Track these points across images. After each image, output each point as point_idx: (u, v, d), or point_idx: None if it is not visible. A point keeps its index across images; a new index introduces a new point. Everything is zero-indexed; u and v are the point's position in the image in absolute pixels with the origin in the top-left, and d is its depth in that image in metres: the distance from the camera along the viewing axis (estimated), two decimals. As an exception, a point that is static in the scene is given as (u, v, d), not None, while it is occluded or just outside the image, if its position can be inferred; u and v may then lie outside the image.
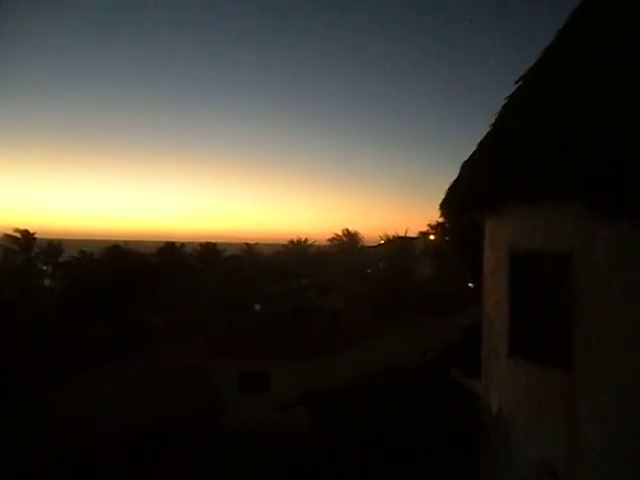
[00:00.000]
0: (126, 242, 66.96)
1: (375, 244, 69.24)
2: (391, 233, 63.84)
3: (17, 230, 55.25)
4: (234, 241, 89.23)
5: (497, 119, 7.24)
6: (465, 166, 7.31)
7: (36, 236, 56.69)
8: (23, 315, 29.17)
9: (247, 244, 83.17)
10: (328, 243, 73.20)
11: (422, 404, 9.72)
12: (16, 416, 14.14)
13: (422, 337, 19.34)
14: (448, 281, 45.15)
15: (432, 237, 55.28)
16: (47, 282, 56.31)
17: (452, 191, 7.37)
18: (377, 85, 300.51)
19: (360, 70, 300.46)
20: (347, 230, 70.85)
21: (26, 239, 55.71)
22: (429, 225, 55.72)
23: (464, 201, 7.20)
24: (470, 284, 44.03)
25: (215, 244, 78.00)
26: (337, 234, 70.67)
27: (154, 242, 78.01)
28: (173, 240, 74.40)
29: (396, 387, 9.76)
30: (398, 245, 58.94)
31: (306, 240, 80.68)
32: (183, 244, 74.96)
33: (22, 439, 11.97)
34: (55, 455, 10.44)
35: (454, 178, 7.41)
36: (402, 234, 61.03)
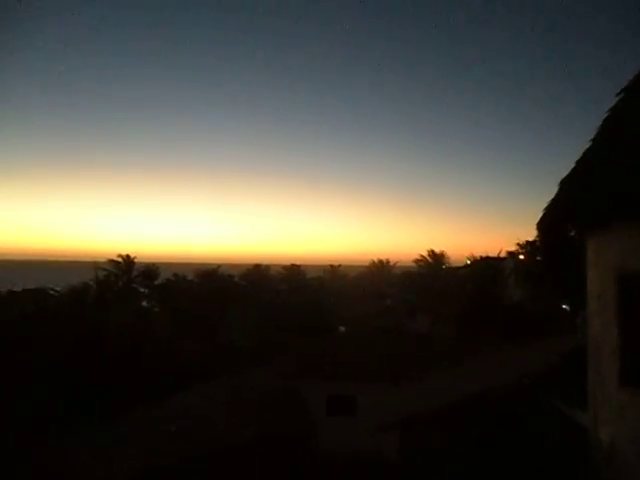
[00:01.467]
0: (217, 265, 69.69)
1: (461, 265, 67.24)
2: (477, 253, 61.85)
3: (119, 255, 59.39)
4: (318, 263, 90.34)
5: (598, 133, 6.86)
6: (565, 183, 6.96)
7: (136, 260, 60.64)
8: (125, 337, 31.04)
9: (331, 266, 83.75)
10: (413, 264, 72.12)
11: (521, 433, 9.20)
12: (118, 431, 14.99)
13: (515, 362, 18.43)
14: (540, 303, 42.88)
15: (522, 257, 52.86)
16: (144, 303, 59.74)
17: (551, 209, 7.04)
18: (463, 102, 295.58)
19: (446, 89, 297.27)
20: (432, 251, 69.48)
21: (127, 263, 59.66)
22: (518, 244, 53.32)
23: (565, 219, 6.85)
24: (565, 306, 41.50)
25: (299, 266, 79.22)
26: (422, 255, 69.47)
27: (242, 265, 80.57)
28: (259, 262, 76.40)
29: (492, 414, 9.31)
30: (486, 266, 56.91)
31: (388, 261, 79.87)
32: (268, 266, 76.76)
33: (123, 452, 12.60)
34: (153, 469, 10.95)
35: (545, 196, 7.08)
36: (490, 254, 58.93)
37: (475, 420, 9.42)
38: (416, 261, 69.58)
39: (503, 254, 57.64)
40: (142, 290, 61.91)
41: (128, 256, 60.66)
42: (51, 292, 43.08)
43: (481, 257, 59.84)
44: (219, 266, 66.92)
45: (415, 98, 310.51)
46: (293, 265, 77.71)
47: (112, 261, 59.15)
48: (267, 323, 46.63)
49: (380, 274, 77.33)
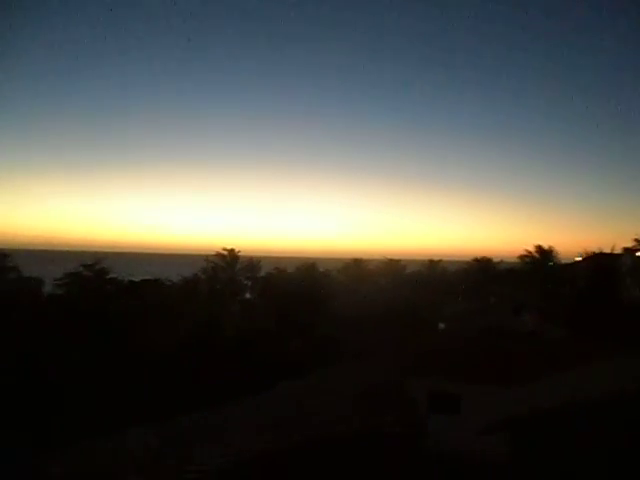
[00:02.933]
0: (315, 259, 71.07)
1: (571, 261, 63.10)
2: (590, 249, 57.59)
3: (225, 249, 62.30)
4: (417, 258, 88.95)
5: None
6: None
7: (240, 254, 63.38)
8: (228, 328, 32.57)
9: (430, 261, 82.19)
10: (518, 260, 68.72)
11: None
12: (231, 416, 15.85)
13: (636, 366, 17.08)
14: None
15: (640, 254, 48.76)
16: (247, 295, 62.29)
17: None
18: (573, 92, 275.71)
19: (547, 79, 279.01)
20: (539, 246, 65.72)
21: (231, 256, 62.52)
22: (636, 240, 49.15)
23: None
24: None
25: (398, 261, 78.54)
26: (528, 251, 65.97)
27: (341, 259, 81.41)
28: (358, 257, 76.78)
29: (618, 419, 8.73)
30: (599, 262, 52.97)
31: (490, 259, 76.79)
32: (367, 261, 76.91)
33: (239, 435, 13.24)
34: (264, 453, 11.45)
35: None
36: (604, 250, 54.69)
37: (599, 424, 8.88)
38: (521, 257, 66.23)
39: (618, 250, 53.35)
40: (245, 282, 64.55)
41: (233, 249, 63.43)
42: (167, 282, 46.21)
43: (594, 253, 55.77)
44: (317, 260, 68.11)
45: (520, 92, 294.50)
46: (392, 260, 77.27)
47: (218, 254, 62.16)
48: (366, 317, 46.86)
49: (482, 270, 74.61)
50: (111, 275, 42.93)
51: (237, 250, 63.52)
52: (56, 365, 23.89)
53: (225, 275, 59.90)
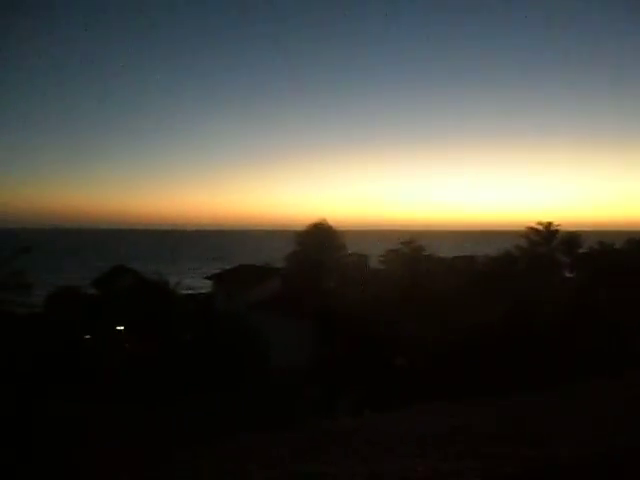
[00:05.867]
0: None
1: None
2: None
3: (540, 223, 58.89)
4: None
5: None
6: None
7: (558, 228, 59.06)
8: (548, 308, 30.58)
9: None
10: None
11: None
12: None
13: None
14: None
15: None
16: (567, 274, 57.51)
17: None
18: None
19: None
20: None
21: (548, 231, 58.69)
22: None
23: None
24: None
25: None
26: None
27: None
28: None
29: None
30: None
31: None
32: None
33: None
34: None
35: None
36: None
37: None
38: None
39: None
40: (564, 259, 59.84)
41: (549, 223, 59.55)
42: (480, 259, 46.45)
43: None
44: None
45: None
46: None
47: (532, 229, 59.20)
48: None
49: None
50: (427, 252, 45.44)
51: (556, 224, 59.48)
52: (395, 337, 26.48)
53: (541, 251, 56.62)
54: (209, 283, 47.40)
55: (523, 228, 59.59)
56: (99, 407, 18.67)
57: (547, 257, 55.80)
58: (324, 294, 35.54)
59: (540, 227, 59.22)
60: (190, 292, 47.11)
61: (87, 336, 28.74)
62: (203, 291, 48.61)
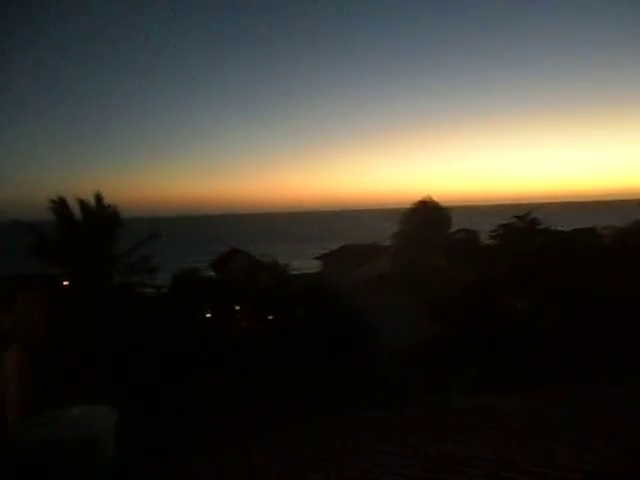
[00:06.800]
0: None
1: None
2: None
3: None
4: None
5: None
6: None
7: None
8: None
9: None
10: None
11: None
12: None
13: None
14: None
15: None
16: None
17: None
18: None
19: None
20: None
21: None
22: None
23: None
24: None
25: None
26: None
27: None
28: None
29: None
30: None
31: None
32: None
33: None
34: None
35: None
36: None
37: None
38: None
39: None
40: None
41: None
42: (603, 231, 43.03)
43: None
44: None
45: None
46: None
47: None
48: None
49: None
50: (543, 226, 42.87)
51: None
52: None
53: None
54: (317, 264, 48.39)
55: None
56: (227, 386, 20.01)
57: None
58: (434, 272, 34.90)
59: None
60: (299, 273, 48.39)
61: (208, 315, 30.64)
62: (312, 271, 49.74)
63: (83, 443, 13.08)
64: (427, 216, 42.78)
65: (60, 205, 23.70)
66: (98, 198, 24.39)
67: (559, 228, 48.63)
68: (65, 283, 24.68)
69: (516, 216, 43.45)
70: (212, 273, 40.97)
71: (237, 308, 33.13)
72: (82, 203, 24.14)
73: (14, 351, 17.52)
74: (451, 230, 48.20)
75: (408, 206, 44.86)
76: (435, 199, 44.81)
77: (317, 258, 48.75)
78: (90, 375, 18.95)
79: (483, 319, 25.82)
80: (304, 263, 56.60)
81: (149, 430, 16.19)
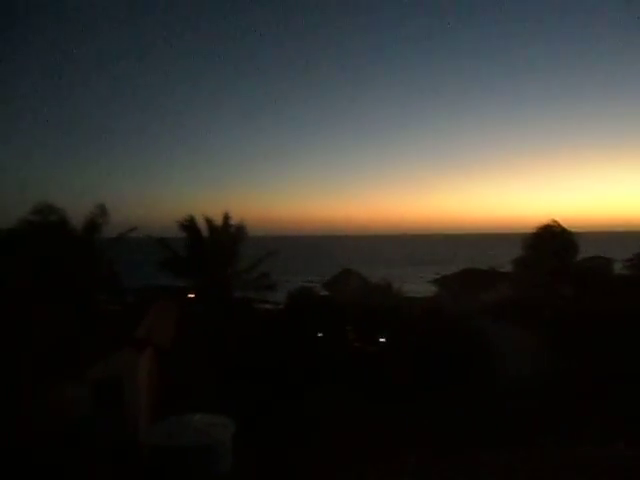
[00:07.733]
0: None
1: None
2: None
3: None
4: None
5: None
6: None
7: None
8: None
9: None
10: None
11: None
12: None
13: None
14: None
15: None
16: None
17: None
18: None
19: None
20: None
21: None
22: None
23: None
24: None
25: None
26: None
27: None
28: None
29: None
30: None
31: None
32: None
33: None
34: None
35: None
36: None
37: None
38: None
39: None
40: None
41: None
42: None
43: None
44: None
45: None
46: None
47: None
48: None
49: None
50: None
51: None
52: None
53: None
54: (431, 287, 47.11)
55: None
56: (340, 404, 19.90)
57: None
58: (561, 301, 32.43)
59: None
60: (413, 296, 47.41)
61: (319, 334, 30.95)
62: (426, 295, 48.53)
63: (204, 451, 13.58)
64: (553, 241, 40.00)
65: (190, 223, 25.32)
66: (225, 217, 25.76)
67: None
68: (191, 295, 26.24)
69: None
70: (325, 292, 41.44)
71: (348, 328, 33.11)
72: (209, 221, 25.60)
73: (146, 357, 18.81)
74: (580, 257, 44.68)
75: (527, 231, 42.30)
76: (560, 223, 41.79)
77: (432, 282, 47.53)
78: (211, 384, 19.77)
79: (618, 356, 23.47)
80: (419, 286, 55.42)
81: (264, 443, 16.47)
